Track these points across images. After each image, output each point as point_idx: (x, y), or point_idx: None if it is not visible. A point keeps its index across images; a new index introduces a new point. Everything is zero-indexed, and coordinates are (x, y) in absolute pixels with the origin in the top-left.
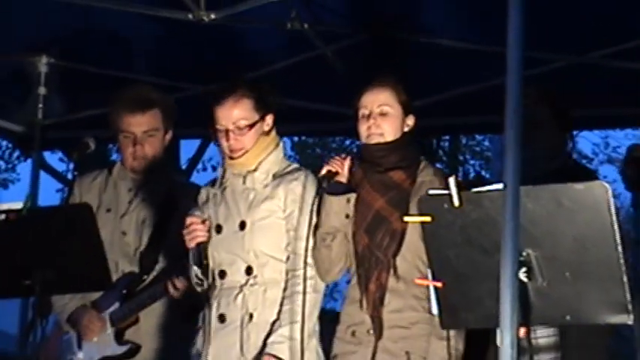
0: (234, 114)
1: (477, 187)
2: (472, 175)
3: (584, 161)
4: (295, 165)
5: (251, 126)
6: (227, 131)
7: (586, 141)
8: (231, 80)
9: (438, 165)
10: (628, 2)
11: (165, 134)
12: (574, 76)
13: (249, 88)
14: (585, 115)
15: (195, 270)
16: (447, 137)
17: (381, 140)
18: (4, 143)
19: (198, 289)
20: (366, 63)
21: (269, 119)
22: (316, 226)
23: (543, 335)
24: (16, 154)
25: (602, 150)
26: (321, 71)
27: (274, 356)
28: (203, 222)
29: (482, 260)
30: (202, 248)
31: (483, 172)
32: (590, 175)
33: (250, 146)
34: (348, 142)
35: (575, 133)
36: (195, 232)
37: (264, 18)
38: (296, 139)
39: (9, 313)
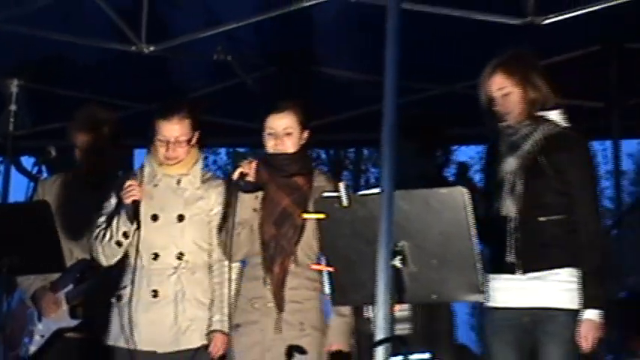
0: (177, 130)
1: None
2: (373, 181)
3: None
4: (211, 173)
5: (188, 141)
6: (168, 142)
7: (464, 154)
8: (176, 100)
9: (345, 172)
10: (485, 46)
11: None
12: (447, 101)
13: (189, 109)
14: (460, 133)
15: (127, 226)
16: (352, 150)
17: (288, 151)
18: None
19: (116, 250)
20: (279, 88)
21: (196, 136)
22: (228, 217)
23: (400, 310)
24: None
25: (477, 161)
26: (242, 94)
27: (220, 331)
28: (139, 185)
29: (366, 250)
30: (136, 206)
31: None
32: (444, 184)
33: (183, 157)
34: None
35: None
36: (132, 191)
37: (195, 51)
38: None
39: None
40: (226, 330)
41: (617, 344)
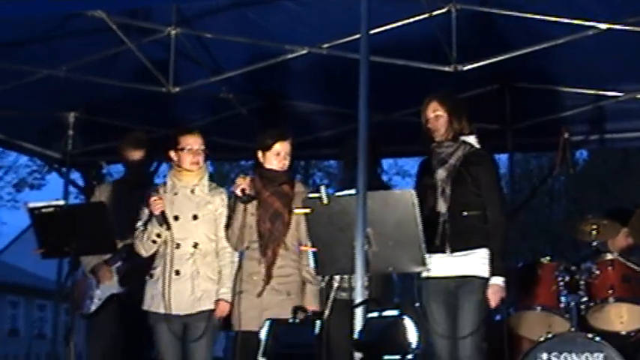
0: (199, 140)
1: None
2: (318, 181)
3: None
4: (214, 184)
5: (204, 150)
6: (193, 150)
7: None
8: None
9: (298, 175)
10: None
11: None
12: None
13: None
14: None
15: (159, 229)
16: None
17: (284, 169)
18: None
19: (152, 246)
20: (265, 118)
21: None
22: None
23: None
24: (45, 169)
25: (392, 167)
26: (239, 121)
27: (225, 300)
28: (160, 198)
29: (339, 235)
30: (164, 214)
31: (325, 182)
32: (388, 188)
33: (202, 164)
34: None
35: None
36: (159, 203)
37: (207, 91)
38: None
39: (50, 264)
40: (229, 299)
41: (517, 300)
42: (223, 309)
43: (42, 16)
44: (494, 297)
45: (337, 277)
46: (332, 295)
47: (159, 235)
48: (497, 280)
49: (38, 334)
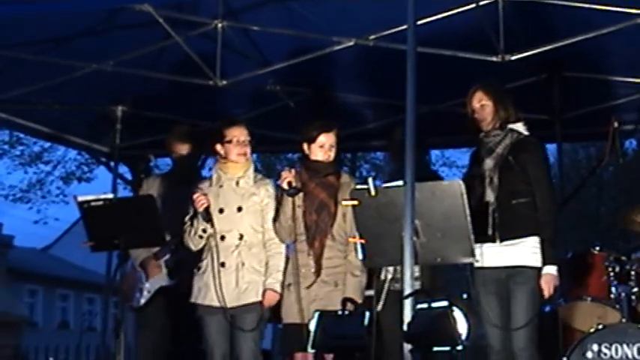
0: (245, 132)
1: None
2: (365, 173)
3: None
4: (260, 175)
5: (250, 142)
6: (239, 142)
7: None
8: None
9: (345, 167)
10: (463, 72)
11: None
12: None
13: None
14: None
15: (205, 224)
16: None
17: (330, 160)
18: (87, 157)
19: (199, 241)
20: (312, 109)
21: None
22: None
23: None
24: (92, 162)
25: (439, 158)
26: (286, 114)
27: (273, 290)
28: (204, 195)
29: (388, 227)
30: (208, 210)
31: (372, 174)
32: (437, 177)
33: (249, 155)
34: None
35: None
36: (202, 200)
37: (254, 83)
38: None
39: (99, 258)
40: (277, 289)
41: (567, 291)
42: (271, 298)
43: (89, 11)
44: (547, 286)
45: (391, 269)
46: (386, 286)
47: (204, 231)
48: (551, 269)
49: (88, 326)
